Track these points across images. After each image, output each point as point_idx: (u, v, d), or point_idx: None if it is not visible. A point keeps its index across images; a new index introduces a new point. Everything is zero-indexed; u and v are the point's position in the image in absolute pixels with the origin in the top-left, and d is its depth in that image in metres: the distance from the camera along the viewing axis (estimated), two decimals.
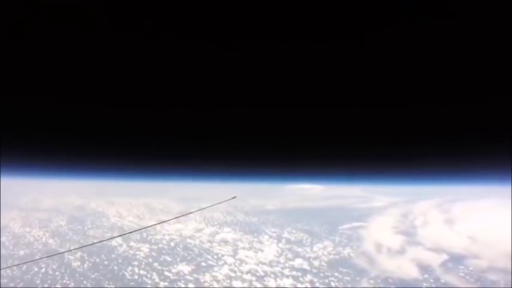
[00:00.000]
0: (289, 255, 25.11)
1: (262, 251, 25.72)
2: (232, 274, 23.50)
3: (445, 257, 24.05)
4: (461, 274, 22.55)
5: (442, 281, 22.10)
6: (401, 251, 24.91)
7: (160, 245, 25.96)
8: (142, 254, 25.47)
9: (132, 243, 26.61)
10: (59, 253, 25.65)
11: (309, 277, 22.91)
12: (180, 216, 32.55)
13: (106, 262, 24.85)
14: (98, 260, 25.09)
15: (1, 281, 20.09)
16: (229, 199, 8.19)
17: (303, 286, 22.33)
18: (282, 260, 24.71)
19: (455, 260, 23.74)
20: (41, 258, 24.05)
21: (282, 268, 23.80)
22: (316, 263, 24.31)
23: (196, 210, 30.96)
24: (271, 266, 24.00)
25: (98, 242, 26.72)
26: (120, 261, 24.86)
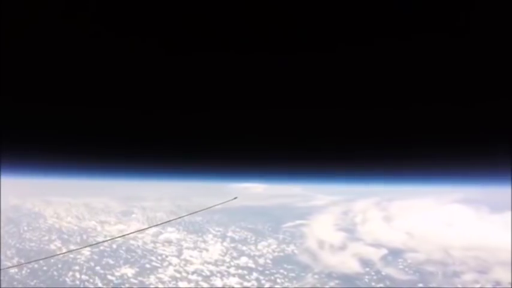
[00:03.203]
0: (235, 254, 25.19)
1: (207, 250, 25.53)
2: (178, 275, 23.25)
3: (384, 251, 25.33)
4: (401, 267, 24.03)
5: (383, 273, 23.48)
6: (343, 247, 25.92)
7: (101, 248, 24.84)
8: (83, 258, 24.21)
9: (71, 247, 25.21)
10: (63, 253, 24.52)
11: (255, 275, 23.27)
12: (181, 217, 31.80)
13: (45, 268, 23.46)
14: (36, 265, 23.56)
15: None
16: (230, 200, 8.08)
17: (250, 284, 22.61)
18: (227, 258, 24.75)
19: (395, 253, 25.09)
20: (44, 258, 23.25)
21: (228, 267, 23.91)
22: (261, 260, 24.60)
23: (197, 211, 30.31)
24: (217, 265, 23.99)
25: (103, 241, 25.19)
26: (60, 266, 23.55)
